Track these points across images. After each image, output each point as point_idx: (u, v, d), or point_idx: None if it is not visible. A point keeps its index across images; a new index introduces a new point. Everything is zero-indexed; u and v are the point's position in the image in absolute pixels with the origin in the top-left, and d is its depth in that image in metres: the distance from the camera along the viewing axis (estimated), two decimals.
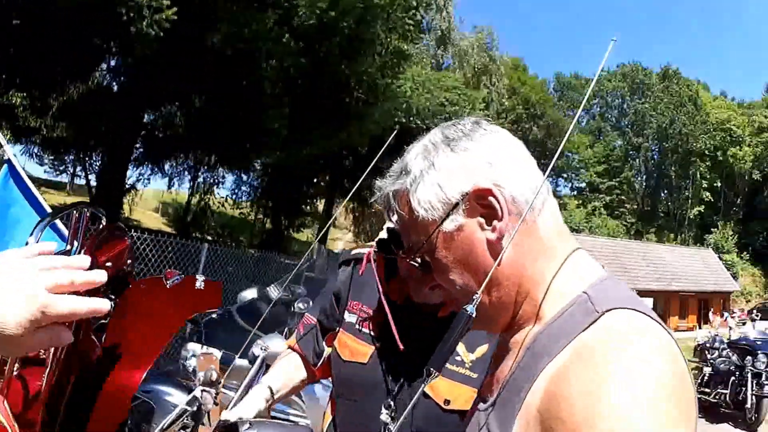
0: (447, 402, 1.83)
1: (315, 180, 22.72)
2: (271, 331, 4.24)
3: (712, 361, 13.64)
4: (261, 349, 4.12)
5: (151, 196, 31.83)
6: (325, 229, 23.10)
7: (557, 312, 1.08)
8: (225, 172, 22.97)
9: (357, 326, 2.02)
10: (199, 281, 2.52)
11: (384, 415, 1.79)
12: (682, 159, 71.17)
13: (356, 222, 31.25)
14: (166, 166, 22.64)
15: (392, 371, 1.91)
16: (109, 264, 1.97)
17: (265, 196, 24.35)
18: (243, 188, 25.76)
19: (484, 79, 47.56)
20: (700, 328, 42.77)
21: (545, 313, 1.10)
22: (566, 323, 1.04)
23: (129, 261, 2.24)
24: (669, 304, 40.78)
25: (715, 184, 72.15)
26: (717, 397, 12.44)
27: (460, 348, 1.88)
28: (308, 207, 25.60)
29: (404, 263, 1.71)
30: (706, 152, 70.12)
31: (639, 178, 77.78)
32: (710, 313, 39.78)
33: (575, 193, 76.94)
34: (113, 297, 2.14)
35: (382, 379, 1.91)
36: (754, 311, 47.53)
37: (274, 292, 6.89)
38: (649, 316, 0.99)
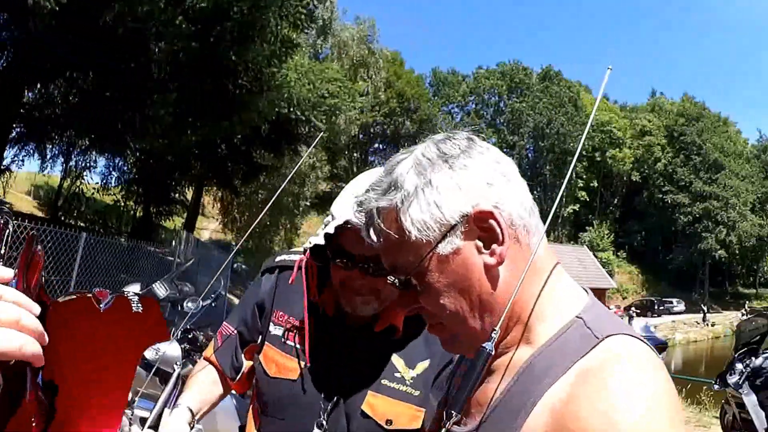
0: (389, 422, 1.83)
1: (186, 168, 22.45)
2: None
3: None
4: (154, 352, 4.36)
5: (24, 179, 30.59)
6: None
7: (552, 335, 1.11)
8: (97, 156, 22.59)
9: (283, 339, 1.98)
10: (134, 303, 2.22)
11: None
12: (557, 158, 73.74)
13: (224, 211, 31.02)
14: (43, 148, 22.04)
15: (325, 388, 1.88)
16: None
17: (137, 183, 24.09)
18: (115, 174, 25.43)
19: (361, 72, 48.13)
20: None
21: (538, 336, 1.13)
22: (564, 347, 1.08)
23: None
24: None
25: (591, 184, 75.53)
26: None
27: (399, 363, 1.90)
28: (177, 195, 25.33)
29: (339, 272, 1.82)
30: (584, 153, 73.27)
31: None
32: None
33: None
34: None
35: (313, 398, 1.88)
36: (632, 308, 50.61)
37: (160, 290, 6.63)
38: (641, 340, 1.07)
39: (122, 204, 25.21)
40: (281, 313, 2.03)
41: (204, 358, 2.23)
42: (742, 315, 57.36)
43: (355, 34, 47.15)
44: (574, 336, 1.09)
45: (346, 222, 1.69)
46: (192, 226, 24.24)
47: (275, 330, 2.01)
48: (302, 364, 1.92)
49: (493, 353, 1.07)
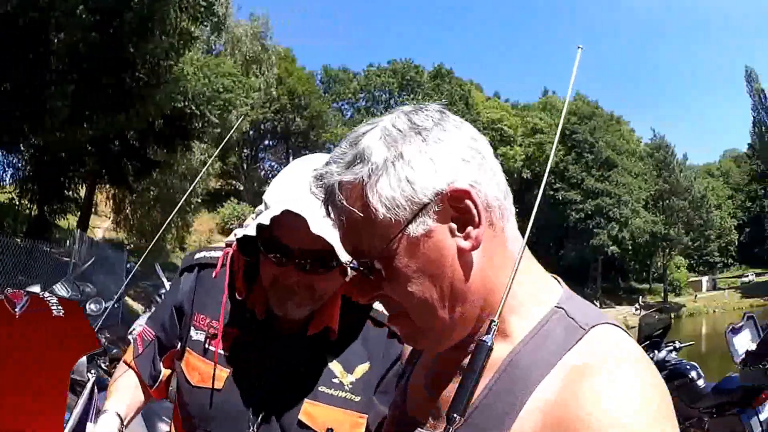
0: (330, 431, 1.71)
1: (80, 164, 21.82)
2: None
3: None
4: None
5: None
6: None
7: (533, 328, 1.06)
8: None
9: (206, 345, 1.82)
10: (54, 306, 1.98)
11: None
12: None
13: (117, 209, 30.28)
14: None
15: (254, 398, 1.75)
16: None
17: (31, 181, 23.29)
18: (9, 171, 24.56)
19: (254, 68, 47.71)
20: None
21: (515, 329, 1.07)
22: (548, 340, 1.03)
23: None
24: None
25: None
26: None
27: (337, 368, 1.78)
28: (72, 193, 24.59)
29: (271, 268, 1.67)
30: None
31: None
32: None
33: None
34: None
35: (241, 408, 1.75)
36: None
37: (62, 291, 6.48)
38: (621, 328, 1.04)
39: (17, 203, 24.28)
40: (202, 316, 1.86)
41: (124, 363, 2.08)
42: (636, 310, 59.60)
43: (249, 30, 46.85)
44: (557, 328, 1.04)
45: (283, 212, 1.52)
46: (86, 225, 23.53)
47: (196, 335, 1.85)
48: (225, 370, 1.77)
49: (493, 347, 0.99)
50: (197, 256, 1.99)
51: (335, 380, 1.75)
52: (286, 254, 1.61)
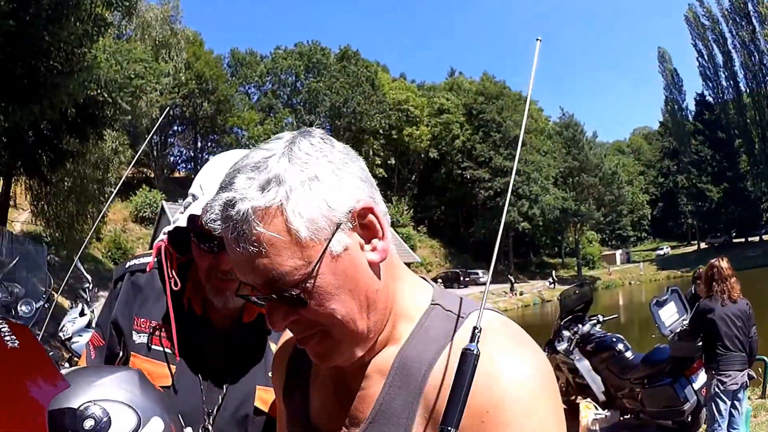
0: None
1: None
2: None
3: None
4: None
5: None
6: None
7: (413, 329, 1.13)
8: None
9: (149, 345, 1.81)
10: (6, 335, 1.58)
11: None
12: (354, 137, 74.55)
13: (35, 201, 29.34)
14: None
15: (206, 391, 1.77)
16: None
17: None
18: None
19: (163, 53, 46.83)
20: None
21: (400, 332, 1.14)
22: (430, 332, 1.12)
23: None
24: None
25: (389, 162, 77.36)
26: None
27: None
28: None
29: (206, 259, 1.68)
30: (381, 131, 74.72)
31: None
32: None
33: None
34: None
35: (195, 402, 1.75)
36: (439, 280, 52.62)
37: None
38: (495, 311, 1.15)
39: None
40: (142, 319, 1.85)
41: None
42: (550, 283, 61.17)
43: (159, 14, 45.95)
44: (437, 321, 1.13)
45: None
46: (4, 219, 22.72)
47: (139, 338, 1.83)
48: (173, 367, 1.77)
49: (479, 354, 0.98)
50: (128, 264, 1.97)
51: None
52: (220, 243, 1.57)
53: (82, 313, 7.72)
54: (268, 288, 1.04)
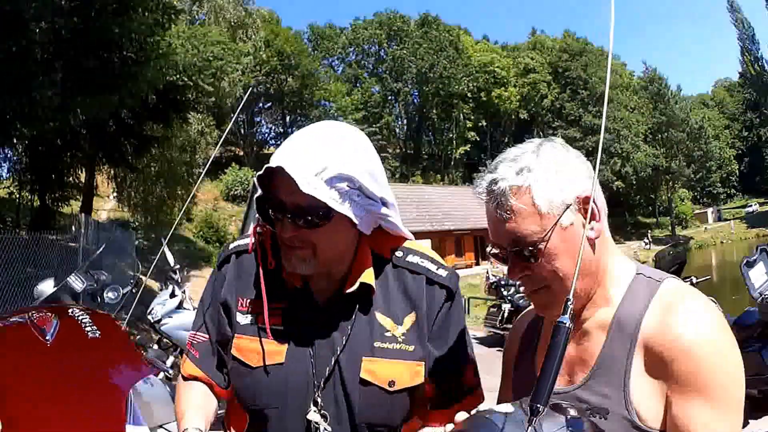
0: (392, 383, 1.76)
1: (77, 149, 21.61)
2: None
3: (510, 297, 14.70)
4: None
5: None
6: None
7: (624, 292, 1.47)
8: None
9: (257, 325, 1.81)
10: (88, 327, 1.72)
11: (312, 413, 1.74)
12: (443, 102, 74.36)
13: (119, 188, 30.08)
14: None
15: (314, 365, 1.77)
16: None
17: (29, 172, 23.07)
18: (5, 165, 24.42)
19: (240, 33, 47.19)
20: (478, 264, 45.72)
21: (613, 296, 1.48)
22: (638, 295, 1.45)
23: None
24: (444, 244, 42.70)
25: (480, 124, 76.75)
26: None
27: (386, 322, 1.81)
28: (71, 179, 24.37)
29: (277, 227, 1.71)
30: (469, 94, 74.18)
31: (399, 123, 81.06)
32: (487, 250, 42.86)
33: None
34: None
35: (304, 377, 1.76)
36: None
37: (77, 283, 5.89)
38: (679, 279, 1.52)
39: (17, 196, 24.09)
40: (245, 299, 1.85)
41: (187, 377, 1.95)
42: (645, 244, 59.72)
43: None
44: (641, 285, 1.47)
45: (277, 168, 1.56)
46: (89, 208, 23.36)
47: (244, 319, 1.83)
48: (285, 345, 1.78)
49: (572, 328, 1.14)
50: (231, 246, 1.99)
51: (387, 334, 1.80)
52: (281, 209, 1.66)
53: (172, 295, 7.77)
54: (513, 245, 1.44)
